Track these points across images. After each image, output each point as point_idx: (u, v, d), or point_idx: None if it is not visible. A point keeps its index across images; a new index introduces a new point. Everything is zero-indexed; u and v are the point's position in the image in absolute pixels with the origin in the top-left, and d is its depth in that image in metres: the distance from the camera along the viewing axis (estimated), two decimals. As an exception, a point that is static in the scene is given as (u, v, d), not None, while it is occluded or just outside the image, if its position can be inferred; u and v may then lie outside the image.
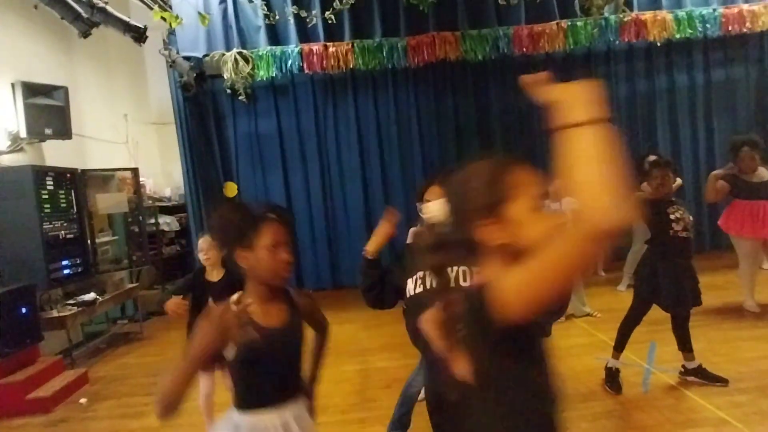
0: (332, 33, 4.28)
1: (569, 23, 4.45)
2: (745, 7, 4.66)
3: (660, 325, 2.87)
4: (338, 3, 3.96)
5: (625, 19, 4.44)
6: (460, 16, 4.39)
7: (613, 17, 4.45)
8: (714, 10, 4.63)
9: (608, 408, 2.67)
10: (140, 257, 4.86)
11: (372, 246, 1.75)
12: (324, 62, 4.30)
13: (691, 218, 2.73)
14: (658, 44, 5.01)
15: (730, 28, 4.69)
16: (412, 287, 1.50)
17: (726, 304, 3.99)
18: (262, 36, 4.31)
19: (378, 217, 6.67)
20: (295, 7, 4.08)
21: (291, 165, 5.79)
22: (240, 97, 4.59)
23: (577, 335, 3.77)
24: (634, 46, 5.42)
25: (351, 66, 4.36)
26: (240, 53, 4.26)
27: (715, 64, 5.74)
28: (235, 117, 5.58)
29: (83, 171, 4.37)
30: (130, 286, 4.78)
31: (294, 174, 5.80)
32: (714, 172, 3.84)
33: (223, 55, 4.30)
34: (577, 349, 3.47)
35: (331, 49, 4.28)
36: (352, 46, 4.32)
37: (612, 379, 2.84)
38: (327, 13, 4.05)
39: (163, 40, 4.53)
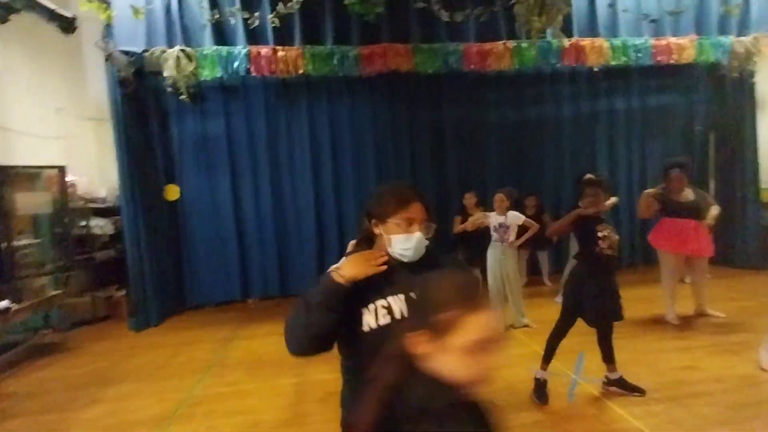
0: (282, 37, 4.21)
1: (515, 44, 4.63)
2: (673, 39, 5.05)
3: (590, 336, 2.99)
4: (282, 6, 3.88)
5: (565, 44, 4.68)
6: (412, 30, 4.45)
7: (554, 41, 4.67)
8: (645, 40, 4.98)
9: (536, 419, 2.73)
10: (66, 262, 4.52)
11: (351, 270, 1.15)
12: (273, 66, 4.21)
13: (617, 237, 2.85)
14: (596, 69, 5.32)
15: (659, 59, 5.05)
16: (371, 319, 1.15)
17: (652, 316, 4.23)
18: (208, 35, 4.17)
19: (330, 224, 6.63)
20: (237, 7, 3.97)
21: (240, 169, 5.62)
22: (183, 97, 4.39)
23: (513, 346, 3.87)
24: (576, 69, 5.73)
25: (301, 71, 4.29)
26: (183, 51, 4.09)
27: (648, 92, 6.18)
28: (179, 116, 5.36)
29: (2, 167, 4.02)
30: (54, 293, 4.41)
31: (243, 178, 5.63)
32: (646, 191, 4.08)
33: (165, 51, 4.10)
34: (513, 360, 3.56)
35: (280, 53, 4.20)
36: (303, 51, 4.26)
37: (540, 390, 2.92)
38: (271, 16, 3.97)
39: (101, 33, 4.28)
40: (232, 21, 4.09)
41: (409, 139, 5.77)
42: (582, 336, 2.93)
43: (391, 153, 5.76)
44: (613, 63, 4.95)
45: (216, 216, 5.60)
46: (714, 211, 4.01)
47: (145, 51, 4.15)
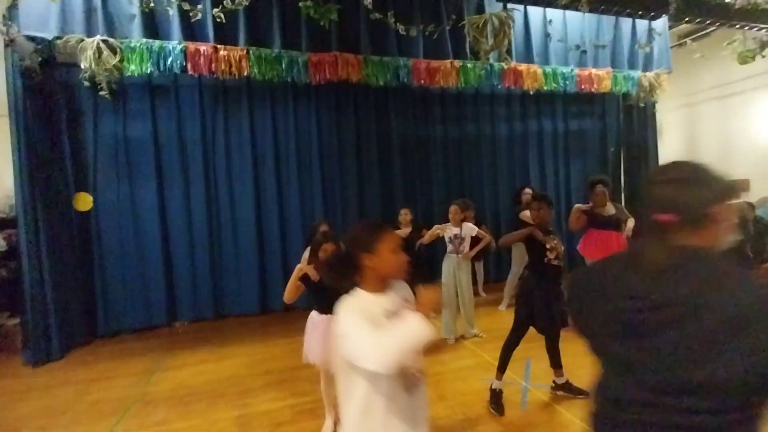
0: (224, 35, 3.89)
1: (461, 63, 4.81)
2: (593, 70, 5.63)
3: (534, 342, 3.08)
4: (230, 2, 3.60)
5: (506, 67, 4.97)
6: (363, 41, 4.41)
7: (497, 64, 4.95)
8: (571, 69, 5.49)
9: (493, 430, 2.73)
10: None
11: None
12: (213, 65, 3.87)
13: (563, 248, 3.01)
14: (531, 93, 5.75)
15: (583, 87, 5.59)
16: None
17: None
18: (137, 26, 3.71)
19: (272, 238, 6.21)
20: (177, -3, 3.60)
21: (168, 176, 5.07)
22: (102, 93, 3.85)
23: (465, 357, 3.88)
24: (512, 91, 6.13)
25: (245, 73, 4.00)
26: (105, 41, 3.59)
27: (572, 116, 6.82)
28: (96, 116, 4.70)
29: None
30: None
31: (172, 187, 5.08)
32: (576, 206, 4.44)
33: (83, 40, 3.57)
34: (465, 372, 3.56)
35: (222, 53, 3.87)
36: (247, 52, 3.98)
37: (496, 400, 2.95)
38: (215, 10, 3.65)
39: (2, 15, 3.62)
40: (170, 12, 3.68)
41: (356, 150, 5.67)
42: (526, 343, 3.02)
43: (337, 164, 5.60)
44: (545, 88, 5.36)
45: (137, 229, 4.96)
46: (630, 223, 4.44)
47: (57, 38, 3.57)
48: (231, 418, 2.98)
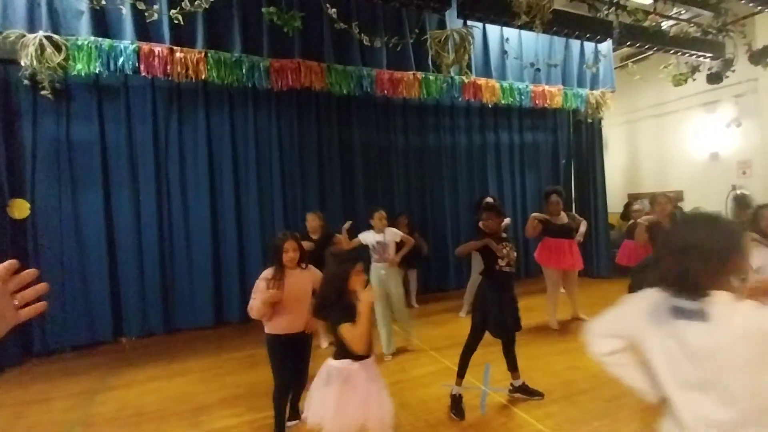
0: (181, 37, 3.75)
1: (423, 75, 4.93)
2: (546, 87, 5.96)
3: (493, 347, 3.17)
4: (188, 4, 3.48)
5: (467, 81, 5.16)
6: (326, 49, 4.41)
7: (457, 77, 5.12)
8: (527, 85, 5.78)
9: (454, 434, 2.77)
10: None
11: None
12: (168, 67, 3.71)
13: (515, 254, 3.13)
14: (489, 106, 5.99)
15: (537, 102, 5.90)
16: None
17: (538, 324, 4.73)
18: (85, 23, 3.49)
19: (229, 248, 5.98)
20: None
21: (116, 182, 4.79)
22: (44, 92, 3.59)
23: (426, 364, 3.92)
24: (471, 104, 6.35)
25: (203, 77, 3.87)
26: (49, 38, 3.35)
27: (527, 129, 7.16)
28: (36, 116, 4.36)
29: None
30: None
31: (119, 193, 4.80)
32: (534, 214, 4.64)
33: (24, 36, 3.32)
34: (427, 378, 3.59)
35: (178, 55, 3.72)
36: (206, 55, 3.86)
37: (456, 405, 3.00)
38: (173, 12, 3.52)
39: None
40: (123, 11, 3.50)
41: (317, 158, 5.61)
42: (485, 347, 3.10)
43: (299, 172, 5.51)
44: (503, 102, 5.61)
45: (80, 238, 4.62)
46: (583, 227, 4.73)
47: (-6, 32, 3.30)
48: (184, 439, 2.83)
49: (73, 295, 4.57)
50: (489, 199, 5.46)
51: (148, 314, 4.91)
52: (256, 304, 2.51)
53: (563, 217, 4.62)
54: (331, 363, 2.03)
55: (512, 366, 3.20)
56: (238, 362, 4.08)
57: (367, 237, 4.03)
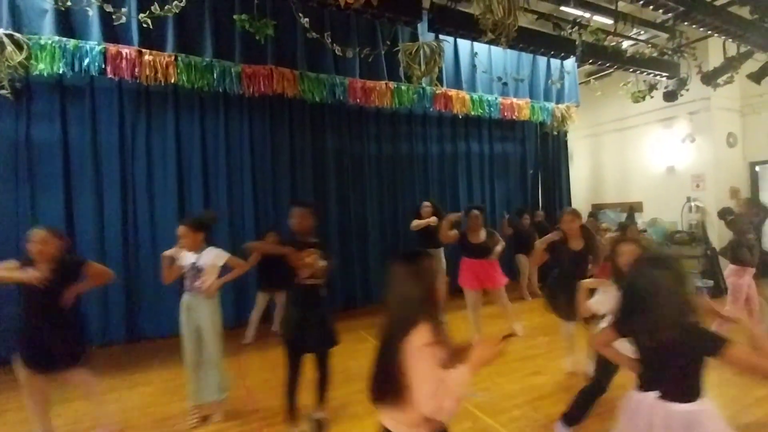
0: (150, 39, 3.70)
1: (395, 85, 5.03)
2: (514, 99, 6.19)
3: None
4: (157, 7, 3.45)
5: (437, 92, 5.31)
6: (299, 56, 4.44)
7: (428, 88, 5.25)
8: (496, 97, 5.99)
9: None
10: None
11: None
12: (137, 70, 3.65)
13: (322, 264, 2.61)
14: (460, 116, 6.16)
15: (505, 114, 6.12)
16: None
17: (501, 330, 4.79)
18: (49, 22, 3.40)
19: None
20: (98, -1, 3.38)
21: (78, 185, 4.63)
22: (3, 92, 3.46)
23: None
24: (443, 114, 6.50)
25: (173, 80, 3.83)
26: (10, 36, 3.25)
27: (497, 140, 7.38)
28: (-8, 116, 4.19)
29: None
30: None
31: (81, 197, 4.65)
32: (448, 216, 4.51)
33: (-19, 33, 3.21)
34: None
35: (146, 57, 3.67)
36: (176, 59, 3.83)
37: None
38: (142, 15, 3.48)
39: None
40: (90, 12, 3.43)
41: (289, 165, 5.60)
42: None
43: (270, 178, 5.48)
44: (473, 113, 5.78)
45: (38, 243, 4.43)
46: (498, 248, 4.51)
47: (-53, 27, 3.17)
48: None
49: (29, 303, 4.37)
50: (427, 203, 5.31)
51: (110, 322, 4.74)
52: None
53: (481, 235, 4.43)
54: None
55: (320, 394, 2.73)
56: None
57: (183, 256, 3.07)
